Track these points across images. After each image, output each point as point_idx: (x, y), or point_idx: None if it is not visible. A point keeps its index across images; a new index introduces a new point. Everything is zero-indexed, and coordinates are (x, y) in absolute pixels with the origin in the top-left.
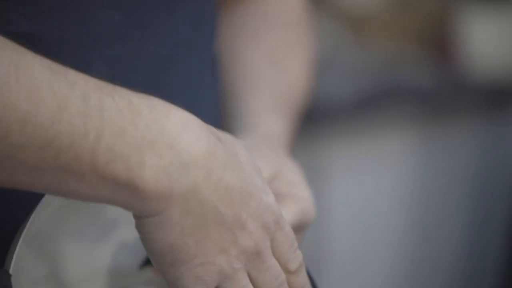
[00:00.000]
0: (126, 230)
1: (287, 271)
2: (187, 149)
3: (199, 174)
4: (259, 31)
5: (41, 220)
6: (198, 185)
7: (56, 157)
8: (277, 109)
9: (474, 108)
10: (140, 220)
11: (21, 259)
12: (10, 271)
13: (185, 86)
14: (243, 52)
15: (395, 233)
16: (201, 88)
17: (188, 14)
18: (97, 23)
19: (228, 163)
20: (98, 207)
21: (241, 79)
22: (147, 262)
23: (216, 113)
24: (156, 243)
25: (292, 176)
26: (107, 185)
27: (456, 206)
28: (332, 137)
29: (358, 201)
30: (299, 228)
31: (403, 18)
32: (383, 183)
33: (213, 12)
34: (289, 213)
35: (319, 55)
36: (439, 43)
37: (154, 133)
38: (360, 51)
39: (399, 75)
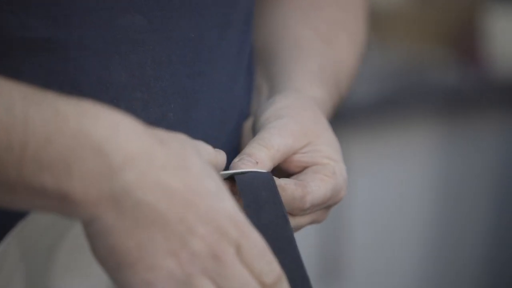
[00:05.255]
0: None
1: (262, 284)
2: (116, 152)
3: (130, 175)
4: (312, 8)
5: (30, 237)
6: (129, 186)
7: None
8: (322, 79)
9: (499, 106)
10: (85, 229)
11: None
12: None
13: (212, 92)
14: (294, 26)
15: (417, 232)
16: (231, 93)
17: (213, 19)
18: (119, 28)
19: (168, 165)
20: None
21: (288, 47)
22: None
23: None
24: (99, 249)
25: (327, 149)
26: (38, 195)
27: (480, 204)
28: (355, 136)
29: (381, 200)
30: (327, 206)
31: (426, 17)
32: (408, 181)
33: (241, 17)
34: (322, 188)
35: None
36: (463, 41)
37: (80, 139)
38: (383, 50)
39: (423, 73)
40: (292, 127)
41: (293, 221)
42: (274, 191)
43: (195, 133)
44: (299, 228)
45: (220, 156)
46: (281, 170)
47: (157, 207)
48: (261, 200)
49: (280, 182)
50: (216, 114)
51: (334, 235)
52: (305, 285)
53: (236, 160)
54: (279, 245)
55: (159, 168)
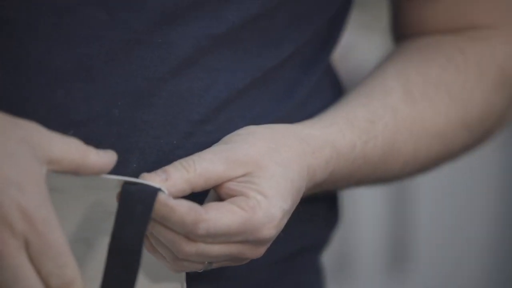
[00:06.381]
0: None
1: (48, 286)
2: None
3: None
4: (416, 62)
5: None
6: None
7: None
8: (358, 127)
9: None
10: None
11: None
12: None
13: (176, 101)
14: (386, 75)
15: (483, 219)
16: (211, 110)
17: (189, 30)
18: (76, 18)
19: None
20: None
21: (358, 94)
22: None
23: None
24: None
25: (264, 184)
26: None
27: None
28: None
29: (447, 189)
30: (247, 241)
31: None
32: (475, 170)
33: (246, 35)
34: (225, 219)
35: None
36: None
37: None
38: None
39: None
40: (231, 154)
41: (196, 247)
42: (149, 209)
43: (144, 136)
44: (214, 257)
45: (94, 157)
46: (216, 196)
47: None
48: (132, 214)
49: (171, 202)
50: (179, 125)
51: (401, 223)
52: None
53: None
54: (121, 263)
55: None
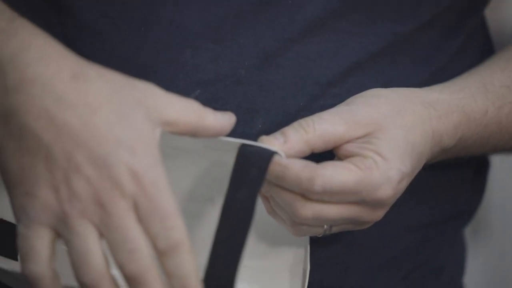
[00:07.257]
0: None
1: (156, 249)
2: (13, 73)
3: (19, 98)
4: None
5: None
6: (17, 108)
7: None
8: (493, 92)
9: None
10: None
11: None
12: None
13: (302, 60)
14: None
15: None
16: (336, 75)
17: None
18: None
19: (67, 99)
20: None
21: (498, 57)
22: None
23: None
24: None
25: (382, 145)
26: None
27: None
28: None
29: None
30: (364, 202)
31: None
32: None
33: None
34: (340, 175)
35: None
36: None
37: None
38: None
39: None
40: (351, 116)
41: (312, 209)
42: (263, 173)
43: (271, 97)
44: (331, 220)
45: (210, 119)
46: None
47: (40, 136)
48: (246, 177)
49: (284, 161)
50: (306, 86)
51: None
52: (226, 273)
53: (269, 136)
54: (233, 224)
55: (53, 99)
